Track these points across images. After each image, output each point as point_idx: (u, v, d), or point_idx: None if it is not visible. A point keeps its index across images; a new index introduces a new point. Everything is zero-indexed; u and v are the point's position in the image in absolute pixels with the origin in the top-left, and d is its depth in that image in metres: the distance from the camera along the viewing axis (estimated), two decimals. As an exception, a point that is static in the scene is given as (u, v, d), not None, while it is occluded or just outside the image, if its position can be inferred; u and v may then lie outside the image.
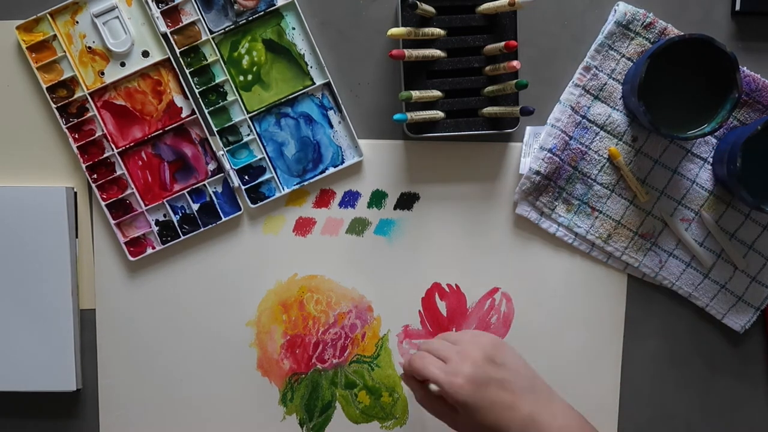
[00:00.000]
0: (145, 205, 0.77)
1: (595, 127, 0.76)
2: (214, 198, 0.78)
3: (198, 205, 0.78)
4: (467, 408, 0.63)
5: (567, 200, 0.77)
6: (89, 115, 0.76)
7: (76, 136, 0.76)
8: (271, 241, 0.79)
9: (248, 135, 0.77)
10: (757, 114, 0.76)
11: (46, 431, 0.80)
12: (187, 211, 0.78)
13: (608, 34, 0.75)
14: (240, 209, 0.78)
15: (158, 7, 0.75)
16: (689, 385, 0.80)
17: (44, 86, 0.75)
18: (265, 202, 0.78)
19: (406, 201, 0.78)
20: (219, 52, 0.76)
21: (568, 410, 0.66)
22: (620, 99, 0.76)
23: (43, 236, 0.76)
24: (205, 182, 0.77)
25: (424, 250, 0.79)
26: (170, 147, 0.77)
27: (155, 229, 0.78)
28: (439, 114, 0.74)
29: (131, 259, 0.78)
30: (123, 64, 0.76)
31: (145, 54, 0.76)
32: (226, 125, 0.77)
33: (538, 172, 0.76)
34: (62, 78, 0.76)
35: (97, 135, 0.77)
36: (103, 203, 0.77)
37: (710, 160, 0.77)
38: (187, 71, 0.76)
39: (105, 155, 0.77)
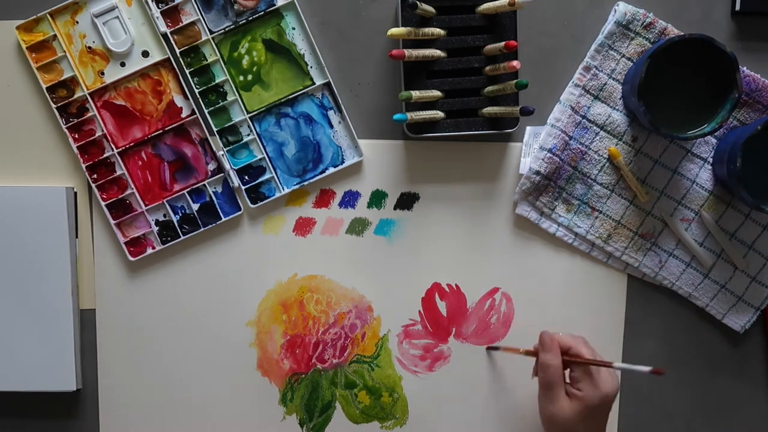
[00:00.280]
0: (145, 205, 0.77)
1: (595, 127, 0.76)
2: (214, 198, 0.78)
3: (198, 205, 0.78)
4: (605, 401, 0.66)
5: (567, 200, 0.77)
6: (89, 115, 0.76)
7: (76, 136, 0.76)
8: (271, 241, 0.79)
9: (248, 135, 0.77)
10: (757, 114, 0.76)
11: (46, 431, 0.80)
12: (187, 211, 0.78)
13: (608, 34, 0.75)
14: (240, 209, 0.78)
15: (158, 7, 0.75)
16: (689, 385, 0.80)
17: (44, 86, 0.75)
18: (265, 202, 0.78)
19: (406, 201, 0.78)
20: (219, 52, 0.76)
21: None
22: (620, 99, 0.76)
23: (43, 236, 0.76)
24: (205, 182, 0.77)
25: (424, 250, 0.79)
26: (170, 147, 0.77)
27: (155, 229, 0.78)
28: (439, 114, 0.74)
29: (131, 259, 0.78)
30: (123, 64, 0.76)
31: (145, 54, 0.76)
32: (226, 125, 0.77)
33: (538, 172, 0.76)
34: (62, 78, 0.76)
35: (97, 135, 0.77)
36: (103, 203, 0.77)
37: (710, 160, 0.77)
38: (187, 71, 0.76)
39: (105, 155, 0.77)
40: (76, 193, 0.78)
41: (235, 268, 0.79)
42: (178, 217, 0.78)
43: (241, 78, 0.76)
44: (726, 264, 0.78)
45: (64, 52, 0.75)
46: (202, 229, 0.78)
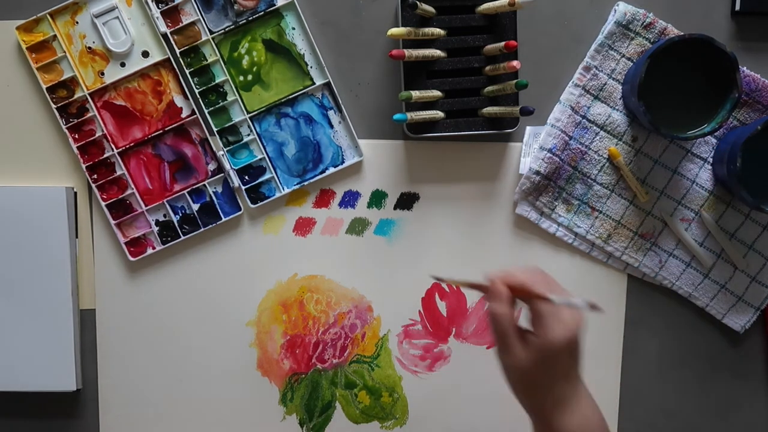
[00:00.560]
0: (145, 205, 0.77)
1: (595, 127, 0.76)
2: (214, 198, 0.78)
3: (198, 205, 0.78)
4: (556, 348, 0.60)
5: (567, 200, 0.77)
6: (89, 115, 0.76)
7: (76, 137, 0.76)
8: (271, 241, 0.79)
9: (248, 135, 0.77)
10: (757, 114, 0.76)
11: (46, 431, 0.80)
12: (187, 211, 0.78)
13: (608, 34, 0.75)
14: (240, 209, 0.78)
15: (158, 7, 0.75)
16: (689, 385, 0.80)
17: (44, 86, 0.75)
18: (265, 202, 0.78)
19: (406, 201, 0.78)
20: (219, 52, 0.76)
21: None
22: (620, 99, 0.76)
23: (43, 236, 0.76)
24: (205, 182, 0.77)
25: (424, 250, 0.79)
26: (170, 147, 0.77)
27: (155, 229, 0.78)
28: (439, 114, 0.74)
29: (131, 259, 0.78)
30: (123, 65, 0.76)
31: (145, 54, 0.76)
32: (226, 125, 0.77)
33: (538, 172, 0.76)
34: (62, 78, 0.76)
35: (97, 135, 0.77)
36: (103, 203, 0.77)
37: (710, 160, 0.77)
38: (187, 71, 0.76)
39: (105, 155, 0.77)
40: (76, 193, 0.78)
41: (235, 268, 0.79)
42: (178, 217, 0.78)
43: (241, 78, 0.76)
44: (726, 264, 0.78)
45: (64, 52, 0.75)
46: (202, 229, 0.78)
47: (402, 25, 0.72)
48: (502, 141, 0.78)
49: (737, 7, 0.76)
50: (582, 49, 0.77)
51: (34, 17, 0.75)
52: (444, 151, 0.78)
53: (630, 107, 0.75)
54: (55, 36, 0.75)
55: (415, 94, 0.71)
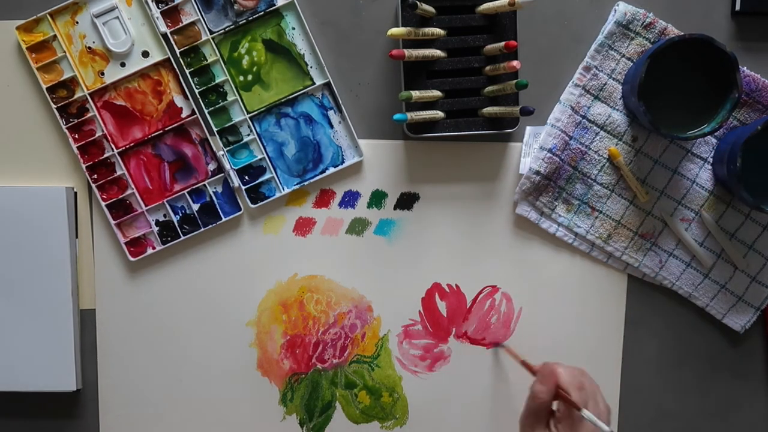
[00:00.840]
0: (145, 206, 0.77)
1: (595, 127, 0.76)
2: (214, 198, 0.78)
3: (198, 205, 0.78)
4: None
5: (567, 200, 0.77)
6: (89, 115, 0.76)
7: (76, 137, 0.76)
8: (271, 241, 0.79)
9: (248, 135, 0.77)
10: (757, 114, 0.76)
11: (46, 431, 0.80)
12: (187, 211, 0.78)
13: (608, 34, 0.75)
14: (240, 209, 0.78)
15: (158, 7, 0.75)
16: (689, 385, 0.80)
17: (44, 86, 0.75)
18: (265, 202, 0.78)
19: (406, 201, 0.78)
20: (219, 52, 0.76)
21: None
22: (620, 99, 0.76)
23: (43, 236, 0.76)
24: (205, 182, 0.77)
25: (424, 250, 0.79)
26: (170, 147, 0.77)
27: (155, 229, 0.78)
28: (439, 114, 0.74)
29: (131, 259, 0.78)
30: (123, 65, 0.76)
31: (145, 54, 0.76)
32: (226, 125, 0.77)
33: (538, 172, 0.76)
34: (62, 78, 0.76)
35: (97, 135, 0.77)
36: (103, 203, 0.77)
37: (710, 160, 0.77)
38: (187, 71, 0.76)
39: (105, 155, 0.77)
40: (76, 193, 0.78)
41: (235, 268, 0.79)
42: (179, 217, 0.78)
43: (241, 78, 0.76)
44: (726, 264, 0.78)
45: (64, 52, 0.75)
46: (202, 229, 0.78)
47: (402, 25, 0.72)
48: (502, 141, 0.78)
49: (737, 7, 0.76)
50: (582, 49, 0.77)
51: (34, 17, 0.75)
52: (444, 151, 0.78)
53: (630, 107, 0.75)
54: (55, 36, 0.75)
55: (415, 94, 0.71)
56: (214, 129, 0.76)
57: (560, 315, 0.79)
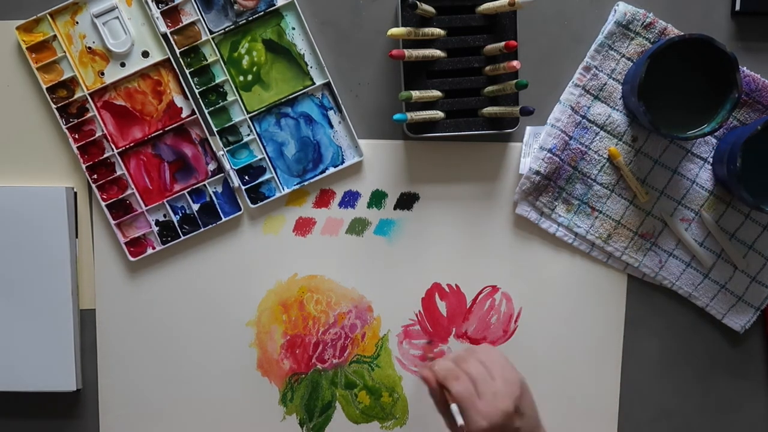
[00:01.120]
0: (145, 206, 0.77)
1: (595, 127, 0.76)
2: (214, 198, 0.78)
3: (198, 205, 0.78)
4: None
5: (567, 200, 0.77)
6: (89, 115, 0.76)
7: (76, 137, 0.76)
8: (271, 241, 0.79)
9: (248, 135, 0.77)
10: (757, 114, 0.76)
11: (46, 431, 0.80)
12: (187, 211, 0.78)
13: (608, 34, 0.75)
14: (240, 209, 0.78)
15: (158, 8, 0.75)
16: (689, 385, 0.80)
17: (44, 86, 0.75)
18: (265, 202, 0.78)
19: (406, 201, 0.78)
20: (219, 52, 0.76)
21: None
22: (620, 99, 0.76)
23: (43, 236, 0.76)
24: (205, 182, 0.77)
25: (424, 250, 0.79)
26: (170, 147, 0.77)
27: (155, 229, 0.78)
28: (439, 114, 0.74)
29: (131, 259, 0.78)
30: (123, 65, 0.76)
31: (145, 54, 0.76)
32: (226, 125, 0.77)
33: (538, 172, 0.76)
34: (62, 78, 0.76)
35: (97, 135, 0.77)
36: (103, 203, 0.77)
37: (710, 160, 0.77)
38: (187, 71, 0.76)
39: (105, 155, 0.77)
40: (76, 193, 0.78)
41: (235, 268, 0.79)
42: (178, 217, 0.78)
43: (241, 78, 0.76)
44: (726, 264, 0.78)
45: (64, 52, 0.75)
46: (202, 229, 0.78)
47: (402, 25, 0.72)
48: (502, 141, 0.78)
49: (737, 7, 0.76)
50: (582, 49, 0.77)
51: (34, 17, 0.75)
52: (444, 151, 0.78)
53: (630, 107, 0.75)
54: (55, 36, 0.75)
55: (415, 94, 0.71)
56: (214, 129, 0.76)
57: (560, 315, 0.79)
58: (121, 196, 0.77)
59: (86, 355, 0.79)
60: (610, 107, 0.76)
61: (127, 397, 0.79)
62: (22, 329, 0.77)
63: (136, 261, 0.78)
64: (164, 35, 0.75)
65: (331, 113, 0.77)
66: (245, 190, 0.77)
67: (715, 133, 0.74)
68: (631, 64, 0.76)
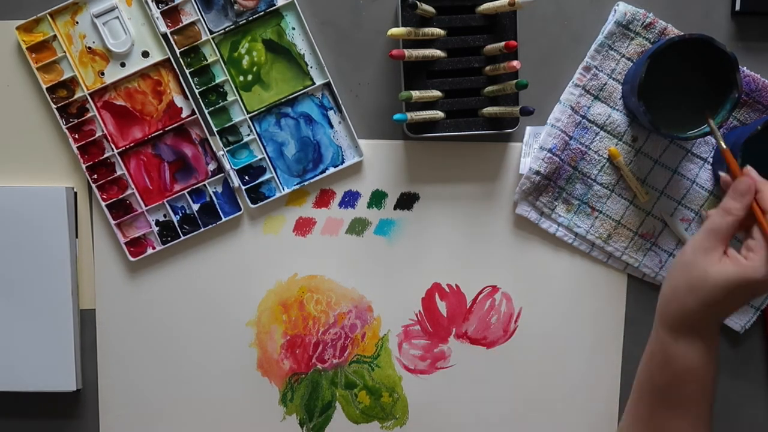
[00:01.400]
0: (146, 206, 0.77)
1: (595, 127, 0.76)
2: (214, 198, 0.78)
3: (198, 205, 0.78)
4: (747, 280, 0.56)
5: (567, 200, 0.77)
6: (89, 115, 0.76)
7: (76, 137, 0.76)
8: (271, 241, 0.79)
9: (248, 135, 0.77)
10: (757, 114, 0.76)
11: (46, 431, 0.80)
12: (187, 211, 0.78)
13: (608, 34, 0.75)
14: (240, 209, 0.78)
15: (158, 8, 0.75)
16: (689, 385, 0.80)
17: (44, 86, 0.75)
18: (265, 202, 0.78)
19: (406, 201, 0.78)
20: (219, 53, 0.76)
21: None
22: (620, 99, 0.76)
23: (43, 236, 0.76)
24: (205, 182, 0.77)
25: (424, 250, 0.79)
26: (170, 147, 0.77)
27: (155, 229, 0.78)
28: (439, 114, 0.74)
29: (131, 259, 0.78)
30: (123, 65, 0.76)
31: (145, 54, 0.76)
32: (226, 125, 0.77)
33: (538, 172, 0.76)
34: (62, 78, 0.76)
35: (97, 135, 0.77)
36: (103, 203, 0.77)
37: (710, 160, 0.77)
38: (187, 71, 0.76)
39: (105, 155, 0.77)
40: (76, 193, 0.78)
41: (235, 268, 0.79)
42: (179, 217, 0.78)
43: (241, 78, 0.76)
44: (726, 264, 0.78)
45: (64, 52, 0.75)
46: (202, 229, 0.78)
47: (402, 25, 0.72)
48: (502, 141, 0.78)
49: (737, 7, 0.76)
50: (582, 49, 0.77)
51: (34, 17, 0.75)
52: (444, 151, 0.78)
53: (630, 107, 0.75)
54: (55, 36, 0.75)
55: (415, 94, 0.71)
56: (214, 129, 0.76)
57: (560, 315, 0.79)
58: (121, 196, 0.77)
59: (86, 355, 0.79)
60: (610, 107, 0.76)
61: (127, 397, 0.79)
62: (22, 329, 0.77)
63: (136, 261, 0.78)
64: (164, 35, 0.75)
65: (331, 113, 0.77)
66: (245, 190, 0.77)
67: (715, 133, 0.74)
68: (631, 64, 0.76)
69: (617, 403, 0.79)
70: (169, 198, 0.77)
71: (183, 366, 0.79)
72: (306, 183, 0.77)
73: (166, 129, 0.77)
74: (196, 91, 0.76)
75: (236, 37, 0.76)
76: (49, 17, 0.75)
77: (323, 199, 0.78)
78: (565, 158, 0.76)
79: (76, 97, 0.76)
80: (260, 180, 0.77)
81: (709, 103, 0.72)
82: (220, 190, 0.78)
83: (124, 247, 0.77)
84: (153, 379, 0.79)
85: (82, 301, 0.79)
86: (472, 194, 0.78)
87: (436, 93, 0.74)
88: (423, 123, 0.74)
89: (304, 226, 0.78)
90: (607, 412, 0.79)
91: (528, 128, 0.77)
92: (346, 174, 0.78)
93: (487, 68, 0.73)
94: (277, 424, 0.80)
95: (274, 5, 0.75)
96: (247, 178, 0.77)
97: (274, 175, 0.78)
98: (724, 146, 0.64)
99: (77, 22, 0.76)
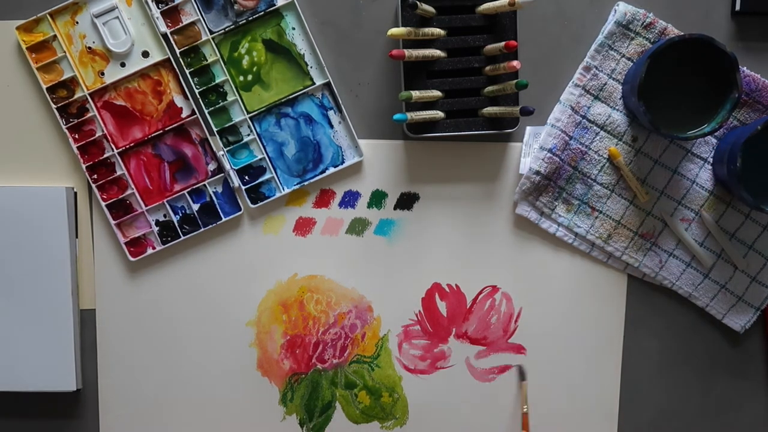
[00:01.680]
0: (146, 206, 0.77)
1: (595, 127, 0.76)
2: (214, 198, 0.78)
3: (198, 205, 0.78)
4: None
5: (567, 200, 0.77)
6: (89, 115, 0.76)
7: (76, 137, 0.76)
8: (271, 241, 0.79)
9: (248, 135, 0.77)
10: (757, 114, 0.76)
11: (46, 431, 0.80)
12: (188, 211, 0.78)
13: (608, 34, 0.75)
14: (240, 209, 0.78)
15: (158, 8, 0.75)
16: (689, 385, 0.80)
17: (44, 86, 0.75)
18: (265, 202, 0.78)
19: (406, 201, 0.78)
20: (219, 53, 0.76)
21: None
22: (620, 99, 0.76)
23: (43, 236, 0.76)
24: (205, 182, 0.77)
25: (424, 250, 0.79)
26: (170, 147, 0.77)
27: (155, 229, 0.78)
28: (439, 114, 0.74)
29: (131, 259, 0.78)
30: (123, 65, 0.76)
31: (145, 54, 0.76)
32: (226, 125, 0.77)
33: (538, 172, 0.76)
34: (62, 78, 0.76)
35: (97, 135, 0.77)
36: (103, 203, 0.77)
37: (710, 160, 0.77)
38: (187, 71, 0.76)
39: (105, 155, 0.77)
40: (76, 193, 0.78)
41: (235, 268, 0.79)
42: (179, 217, 0.78)
43: (241, 78, 0.76)
44: (726, 264, 0.78)
45: (64, 52, 0.75)
46: (202, 229, 0.78)
47: (402, 25, 0.72)
48: (502, 141, 0.78)
49: (737, 7, 0.76)
50: (582, 49, 0.77)
51: (34, 17, 0.75)
52: (444, 151, 0.78)
53: (630, 107, 0.75)
54: (55, 36, 0.75)
55: (415, 94, 0.71)
56: (214, 129, 0.76)
57: (560, 315, 0.79)
58: (121, 196, 0.77)
59: (86, 355, 0.79)
60: (610, 107, 0.76)
61: (127, 397, 0.79)
62: (22, 329, 0.77)
63: (136, 261, 0.78)
64: (164, 35, 0.75)
65: (331, 113, 0.77)
66: (245, 190, 0.77)
67: (715, 133, 0.74)
68: (631, 64, 0.76)
69: (617, 403, 0.79)
70: (169, 198, 0.77)
71: (183, 366, 0.79)
72: (306, 183, 0.77)
73: (166, 129, 0.77)
74: (196, 91, 0.76)
75: (236, 37, 0.76)
76: (49, 17, 0.75)
77: (323, 199, 0.78)
78: (565, 158, 0.76)
79: (76, 97, 0.76)
80: (260, 180, 0.77)
81: (709, 103, 0.72)
82: (220, 190, 0.78)
83: (124, 247, 0.77)
84: (153, 379, 0.79)
85: (82, 301, 0.79)
86: (472, 194, 0.78)
87: (436, 93, 0.74)
88: (423, 123, 0.74)
89: (304, 226, 0.79)
90: (607, 411, 0.79)
91: (528, 128, 0.77)
92: (346, 174, 0.78)
93: (487, 68, 0.73)
94: (277, 424, 0.80)
95: (274, 5, 0.75)
96: (247, 178, 0.77)
97: (274, 175, 0.78)
98: None
99: (77, 22, 0.76)
